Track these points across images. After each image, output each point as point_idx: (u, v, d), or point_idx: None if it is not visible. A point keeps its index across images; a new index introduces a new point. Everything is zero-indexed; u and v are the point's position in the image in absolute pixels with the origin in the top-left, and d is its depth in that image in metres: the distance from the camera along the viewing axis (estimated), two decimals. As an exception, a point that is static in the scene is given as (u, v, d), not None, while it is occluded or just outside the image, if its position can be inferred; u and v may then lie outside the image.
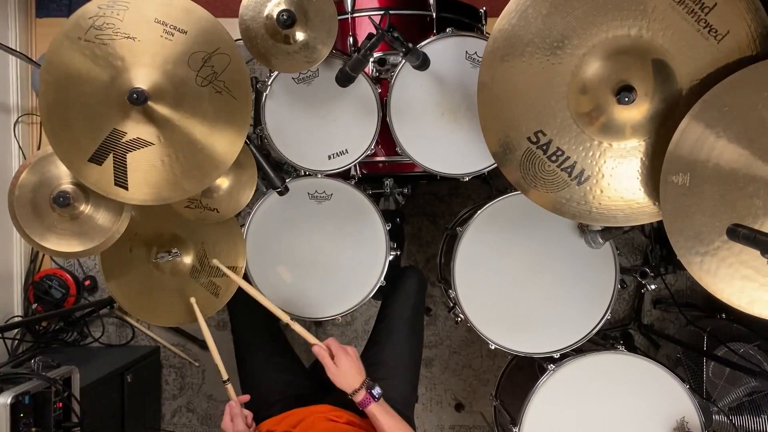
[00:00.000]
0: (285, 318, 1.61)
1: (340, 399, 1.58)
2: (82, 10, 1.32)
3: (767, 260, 1.21)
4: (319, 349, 1.52)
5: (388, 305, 1.94)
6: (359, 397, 1.49)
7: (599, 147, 1.34)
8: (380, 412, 1.49)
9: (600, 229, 1.75)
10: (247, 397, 1.59)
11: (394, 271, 1.90)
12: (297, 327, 1.59)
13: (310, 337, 1.56)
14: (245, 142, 1.43)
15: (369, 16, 1.86)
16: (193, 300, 1.68)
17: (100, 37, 1.32)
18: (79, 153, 1.36)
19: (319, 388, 1.78)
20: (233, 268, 1.74)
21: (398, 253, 1.91)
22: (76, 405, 1.84)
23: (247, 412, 1.55)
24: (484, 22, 2.07)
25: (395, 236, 1.94)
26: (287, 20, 1.49)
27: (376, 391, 1.50)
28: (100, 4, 1.31)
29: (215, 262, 1.70)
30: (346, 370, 1.50)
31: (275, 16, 1.50)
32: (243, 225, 1.82)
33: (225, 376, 1.61)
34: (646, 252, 2.68)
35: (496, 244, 1.84)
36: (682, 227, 1.26)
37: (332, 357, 1.51)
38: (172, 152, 1.38)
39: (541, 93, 1.33)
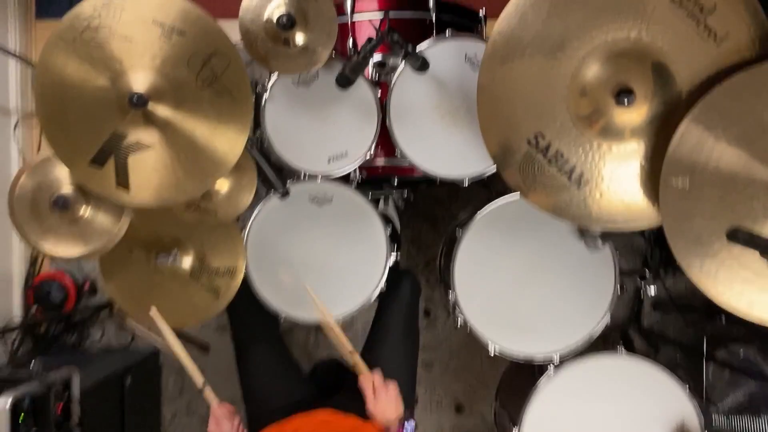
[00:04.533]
0: (349, 347, 1.62)
1: (342, 403, 1.58)
2: (75, 11, 1.30)
3: (767, 262, 1.21)
4: (365, 379, 1.55)
5: (383, 311, 1.94)
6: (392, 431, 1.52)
7: (599, 150, 1.34)
8: None
9: (599, 232, 1.75)
10: (231, 407, 1.58)
11: (390, 275, 1.90)
12: (357, 359, 1.61)
13: (360, 365, 1.59)
14: (245, 146, 1.42)
15: (369, 19, 1.86)
16: (153, 310, 1.62)
17: (96, 39, 1.31)
18: (79, 156, 1.36)
19: (319, 393, 1.78)
20: (233, 269, 1.74)
21: (398, 256, 1.91)
22: (75, 407, 1.84)
23: (231, 407, 1.55)
24: (483, 24, 2.07)
25: (395, 239, 1.94)
26: (287, 23, 1.49)
27: (409, 425, 1.51)
28: (95, 5, 1.30)
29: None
30: (384, 408, 1.52)
31: (275, 19, 1.50)
32: (243, 228, 1.82)
33: (200, 384, 1.60)
34: (645, 255, 2.68)
35: (495, 246, 1.84)
36: (682, 230, 1.26)
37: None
38: (174, 154, 1.38)
39: (541, 95, 1.33)
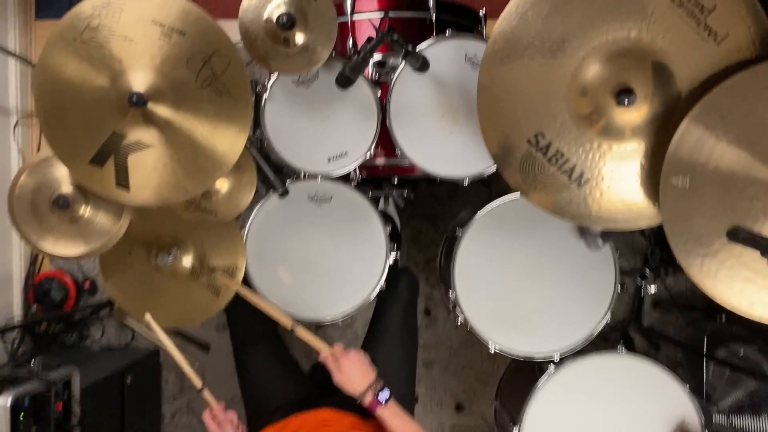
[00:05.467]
0: (288, 324, 1.61)
1: (342, 401, 1.58)
2: (75, 11, 1.30)
3: (767, 262, 1.21)
4: (325, 356, 1.54)
5: (381, 307, 1.94)
6: (366, 401, 1.50)
7: (599, 149, 1.34)
8: (389, 416, 1.49)
9: (600, 231, 1.75)
10: (222, 404, 1.56)
11: (388, 273, 1.90)
12: (302, 332, 1.59)
13: (316, 343, 1.57)
14: (245, 145, 1.42)
15: (369, 19, 1.86)
16: (148, 315, 1.62)
17: (96, 38, 1.31)
18: (79, 155, 1.36)
19: (319, 392, 1.78)
20: (233, 269, 1.74)
21: (398, 255, 1.91)
22: (76, 406, 1.85)
23: (231, 413, 1.54)
24: (483, 24, 2.07)
25: (394, 239, 1.94)
26: (287, 23, 1.49)
27: (383, 395, 1.50)
28: (95, 4, 1.30)
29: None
30: (349, 375, 1.51)
31: (275, 19, 1.50)
32: (243, 227, 1.82)
33: (199, 385, 1.57)
34: (645, 254, 2.68)
35: (495, 246, 1.84)
36: (682, 229, 1.26)
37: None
38: (173, 154, 1.38)
39: (541, 95, 1.33)
